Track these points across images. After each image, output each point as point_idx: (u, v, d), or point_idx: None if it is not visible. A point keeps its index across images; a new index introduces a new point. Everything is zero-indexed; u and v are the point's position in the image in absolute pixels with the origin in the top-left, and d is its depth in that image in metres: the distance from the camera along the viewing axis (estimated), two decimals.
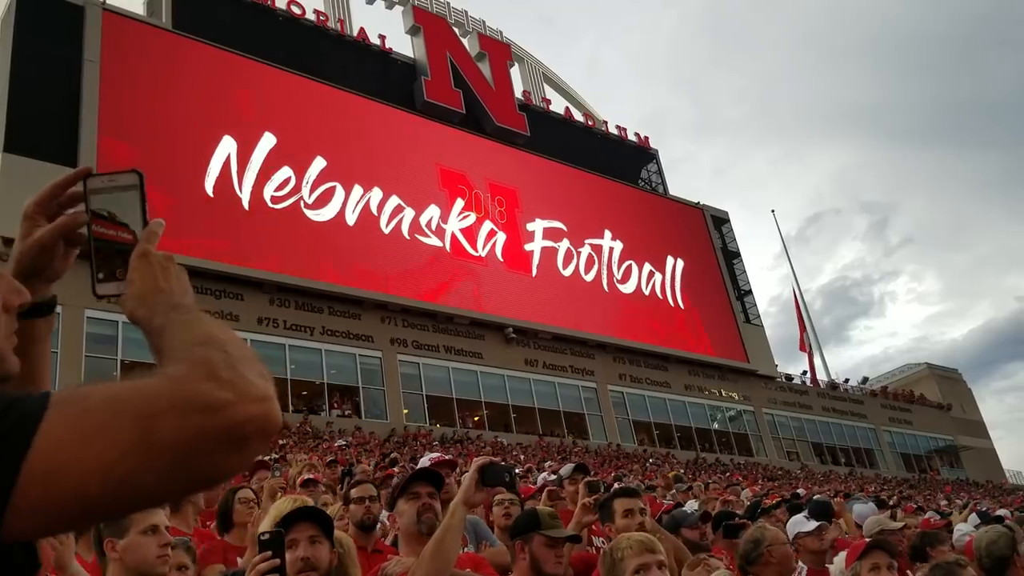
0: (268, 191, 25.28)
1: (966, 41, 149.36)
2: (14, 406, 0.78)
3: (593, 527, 4.48)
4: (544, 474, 9.67)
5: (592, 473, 7.72)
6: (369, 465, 11.64)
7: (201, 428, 0.78)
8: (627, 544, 2.88)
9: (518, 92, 36.13)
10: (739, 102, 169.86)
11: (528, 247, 31.74)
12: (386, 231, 27.66)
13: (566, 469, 6.37)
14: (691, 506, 6.60)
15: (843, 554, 4.12)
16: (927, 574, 3.54)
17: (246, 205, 24.70)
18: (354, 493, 4.14)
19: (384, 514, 4.42)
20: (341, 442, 18.43)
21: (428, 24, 33.53)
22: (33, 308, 1.11)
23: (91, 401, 0.78)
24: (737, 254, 40.39)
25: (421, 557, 2.62)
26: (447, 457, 5.77)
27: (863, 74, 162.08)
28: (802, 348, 44.44)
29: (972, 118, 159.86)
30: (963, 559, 3.77)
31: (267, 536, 2.61)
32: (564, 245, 32.81)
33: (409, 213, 28.42)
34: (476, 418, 28.15)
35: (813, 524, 4.58)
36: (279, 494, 6.10)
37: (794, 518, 4.87)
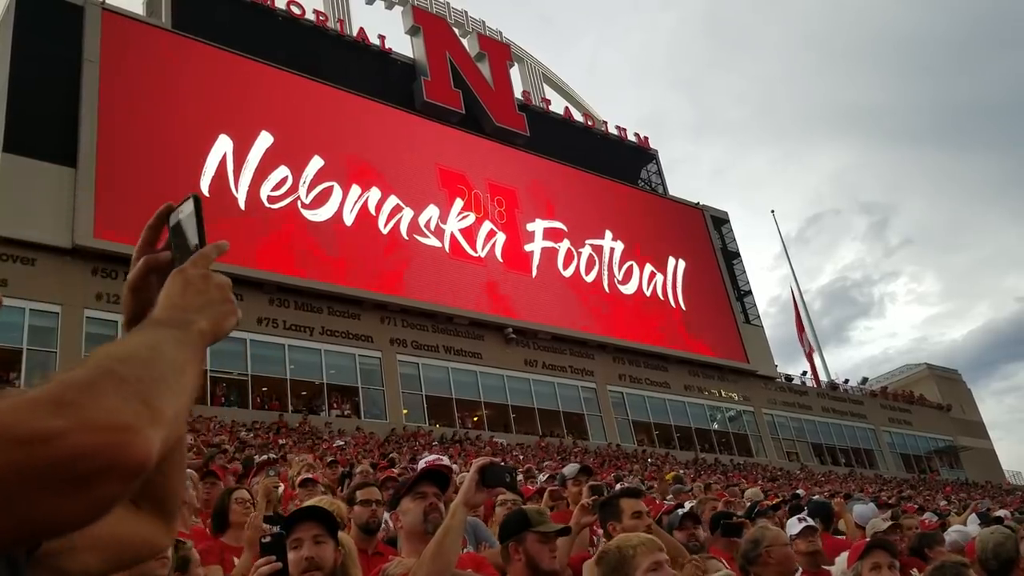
0: (264, 190, 25.25)
1: (965, 43, 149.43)
2: None
3: (594, 527, 4.47)
4: (542, 475, 9.65)
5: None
6: (368, 465, 11.62)
7: (20, 462, 0.64)
8: (638, 542, 2.88)
9: (518, 92, 36.12)
10: (738, 103, 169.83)
11: (528, 247, 31.72)
12: (384, 231, 27.64)
13: (570, 469, 6.32)
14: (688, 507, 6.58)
15: (845, 555, 4.11)
16: (929, 574, 3.53)
17: (242, 205, 24.67)
18: (360, 495, 4.13)
19: (385, 515, 4.41)
20: (340, 443, 18.41)
21: (428, 24, 33.52)
22: None
23: None
24: (737, 254, 40.39)
25: (422, 558, 2.61)
26: (444, 461, 5.77)
27: (862, 76, 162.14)
28: (808, 357, 44.37)
29: (971, 119, 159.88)
30: (965, 560, 3.75)
31: (269, 539, 2.61)
32: (564, 246, 32.80)
33: (408, 213, 28.40)
34: (475, 418, 28.14)
35: (801, 526, 4.59)
36: (274, 494, 6.08)
37: (789, 520, 4.88)
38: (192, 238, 1.03)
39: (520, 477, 9.47)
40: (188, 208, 1.05)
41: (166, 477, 1.10)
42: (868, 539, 4.12)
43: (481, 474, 2.73)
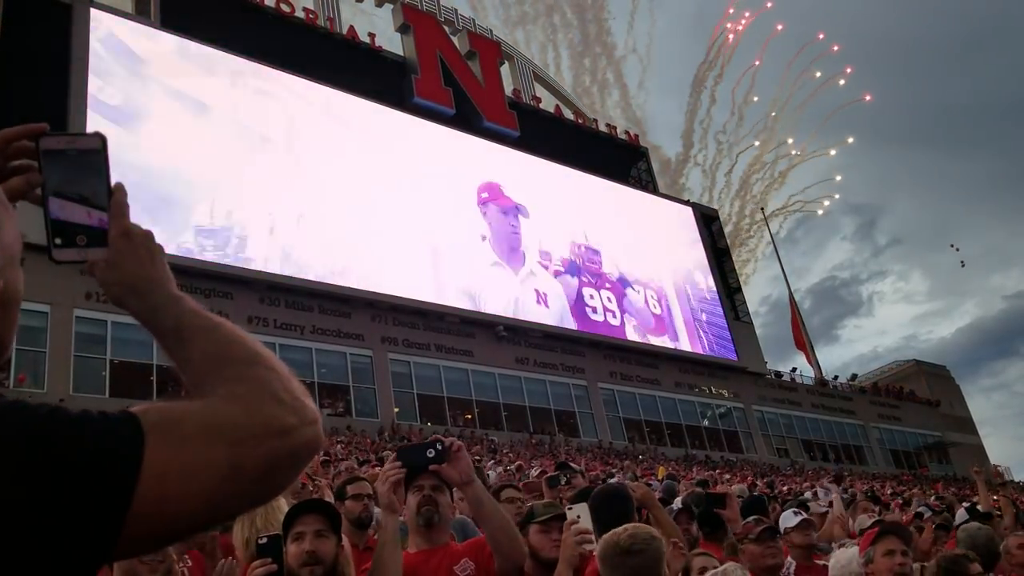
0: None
1: (952, 44, 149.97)
2: (107, 433, 0.77)
3: None
4: (534, 470, 9.67)
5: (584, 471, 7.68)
6: (355, 463, 11.64)
7: (275, 452, 0.82)
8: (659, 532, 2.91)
9: (508, 90, 36.08)
10: (728, 105, 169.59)
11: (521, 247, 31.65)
12: (377, 229, 27.52)
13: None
14: (677, 503, 6.60)
15: (837, 550, 4.10)
16: (934, 565, 3.53)
17: None
18: (351, 490, 4.14)
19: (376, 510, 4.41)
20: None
21: (418, 22, 33.44)
22: None
23: (186, 429, 0.80)
24: (726, 252, 40.45)
25: (371, 571, 2.81)
26: None
27: (851, 77, 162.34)
28: (799, 346, 44.55)
29: (957, 121, 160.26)
30: (971, 553, 3.75)
31: (265, 540, 2.61)
32: (556, 243, 32.74)
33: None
34: (467, 416, 28.10)
35: (798, 519, 4.59)
36: None
37: (783, 513, 4.88)
38: (93, 180, 0.95)
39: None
40: (86, 144, 0.95)
41: None
42: (880, 526, 4.11)
43: (401, 461, 2.93)
